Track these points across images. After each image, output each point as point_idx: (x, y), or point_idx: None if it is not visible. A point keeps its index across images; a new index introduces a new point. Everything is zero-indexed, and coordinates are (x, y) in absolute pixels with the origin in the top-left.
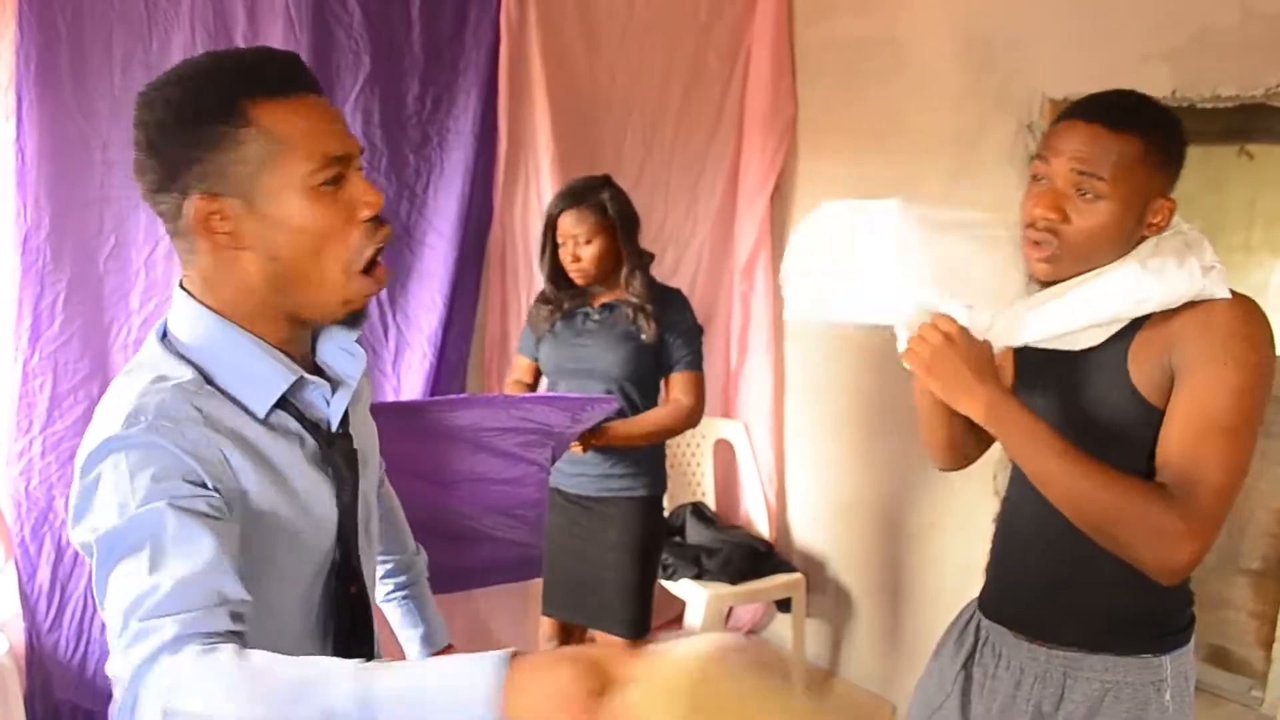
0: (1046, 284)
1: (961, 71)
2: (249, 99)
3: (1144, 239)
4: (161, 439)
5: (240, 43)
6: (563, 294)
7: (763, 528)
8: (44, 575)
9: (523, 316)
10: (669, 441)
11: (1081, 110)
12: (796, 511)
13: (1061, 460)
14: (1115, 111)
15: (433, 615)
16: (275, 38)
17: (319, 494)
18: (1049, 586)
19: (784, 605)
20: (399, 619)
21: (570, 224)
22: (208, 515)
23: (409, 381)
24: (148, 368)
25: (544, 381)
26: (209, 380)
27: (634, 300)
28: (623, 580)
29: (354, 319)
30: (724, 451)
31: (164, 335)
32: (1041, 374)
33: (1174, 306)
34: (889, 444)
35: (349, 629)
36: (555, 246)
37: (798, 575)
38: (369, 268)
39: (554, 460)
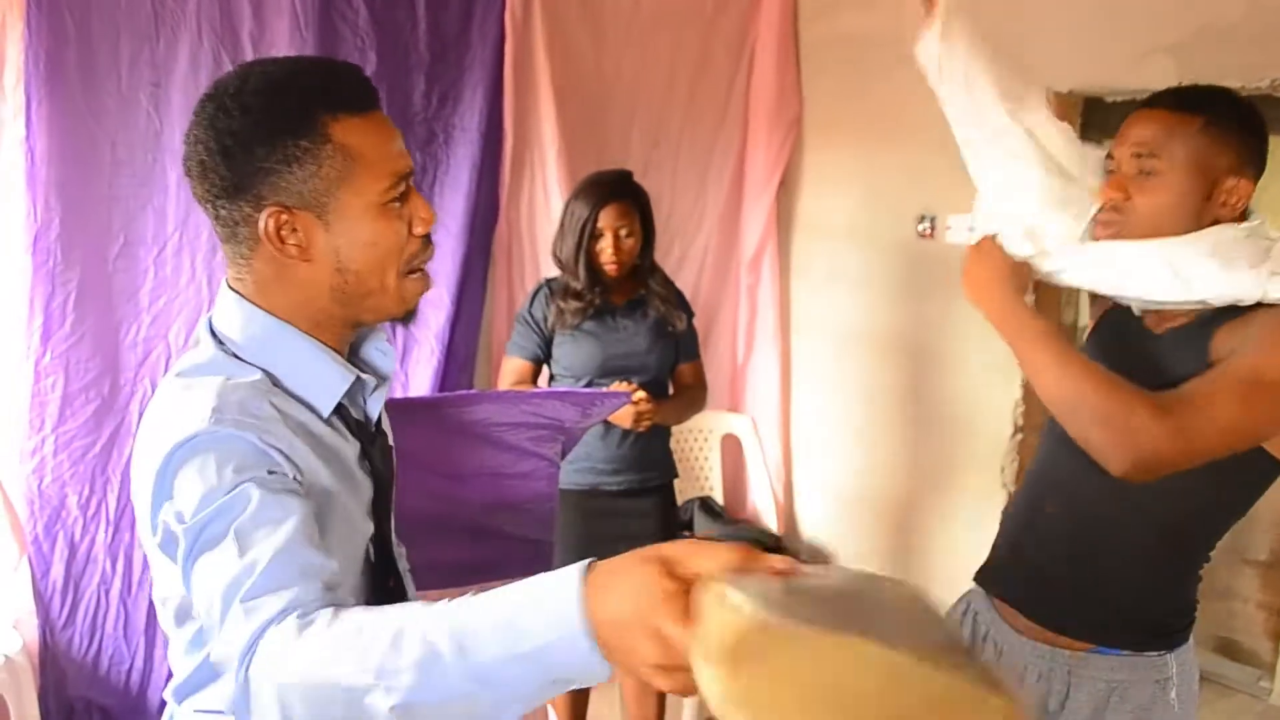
0: None
1: None
2: (330, 115)
3: (1217, 220)
4: (248, 434)
5: (247, 42)
6: (595, 290)
7: (770, 522)
8: (57, 573)
9: None
10: (676, 436)
11: (1149, 100)
12: (804, 505)
13: (1059, 355)
14: (1176, 96)
15: None
16: (281, 35)
17: (366, 491)
18: (1067, 572)
19: None
20: None
21: (614, 216)
22: (290, 492)
23: (417, 378)
24: (212, 369)
25: (547, 381)
26: (275, 381)
27: (661, 292)
28: None
29: (408, 317)
30: (731, 445)
31: (214, 334)
32: (1119, 339)
33: (1238, 304)
34: (897, 437)
35: None
36: (591, 240)
37: None
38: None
39: (564, 455)
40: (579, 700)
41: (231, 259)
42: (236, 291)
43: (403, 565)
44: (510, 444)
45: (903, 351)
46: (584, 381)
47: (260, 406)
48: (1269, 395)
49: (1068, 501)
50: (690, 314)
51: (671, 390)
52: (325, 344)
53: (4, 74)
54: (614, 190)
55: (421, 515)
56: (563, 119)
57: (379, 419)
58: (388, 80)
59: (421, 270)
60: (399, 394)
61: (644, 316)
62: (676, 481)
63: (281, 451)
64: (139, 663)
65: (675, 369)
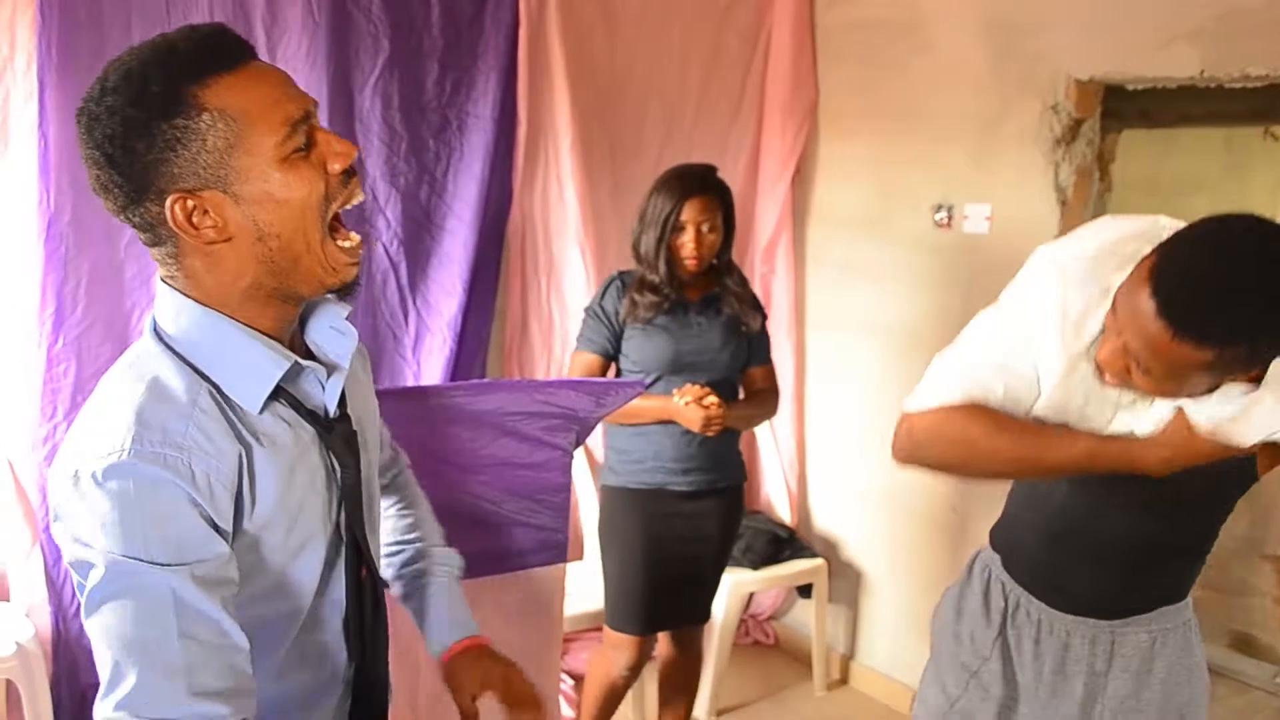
0: None
1: (984, 53)
2: (196, 84)
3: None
4: (168, 473)
5: (259, 28)
6: (673, 284)
7: (784, 513)
8: None
9: (544, 301)
10: None
11: (1168, 313)
12: (817, 497)
13: None
14: (1205, 329)
15: (459, 606)
16: (295, 21)
17: (321, 482)
18: (1129, 588)
19: (805, 591)
20: (423, 612)
21: (697, 211)
22: (204, 588)
23: (429, 366)
24: (142, 365)
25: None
26: (203, 375)
27: (737, 290)
28: (718, 570)
29: (345, 290)
30: (745, 436)
31: (155, 328)
32: None
33: None
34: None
35: (360, 613)
36: (673, 233)
37: (820, 561)
38: (334, 230)
39: (578, 444)
40: (609, 705)
41: (162, 261)
42: (168, 284)
43: (377, 554)
44: (524, 434)
45: (918, 342)
46: (653, 377)
47: (186, 431)
48: None
49: (1107, 549)
50: (764, 316)
51: (741, 393)
52: (265, 329)
53: (15, 59)
54: (699, 184)
55: (435, 505)
56: (576, 107)
57: (342, 402)
58: (401, 66)
59: (349, 236)
60: (411, 382)
61: (717, 314)
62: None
63: (209, 481)
64: None
65: (746, 371)
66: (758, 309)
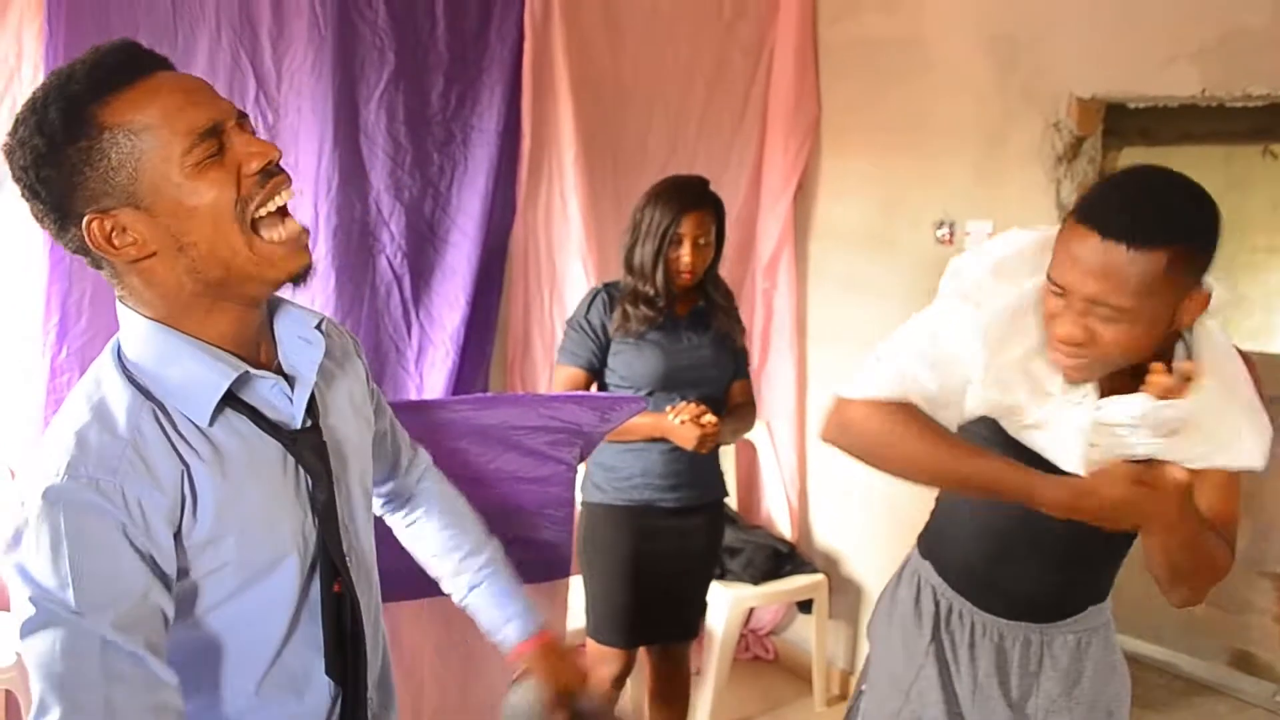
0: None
1: (987, 70)
2: (93, 103)
3: (1178, 331)
4: (99, 498)
5: (265, 40)
6: (670, 297)
7: (784, 528)
8: None
9: (547, 314)
10: None
11: (1102, 223)
12: (818, 512)
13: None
14: (1140, 226)
15: (516, 599)
16: (300, 34)
17: (286, 494)
18: (1060, 585)
19: (805, 606)
20: (484, 613)
21: (696, 223)
22: (125, 630)
23: (432, 379)
24: (94, 386)
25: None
26: (150, 395)
27: (724, 304)
28: (704, 586)
29: (298, 279)
30: (746, 451)
31: (118, 350)
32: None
33: None
34: None
35: (337, 629)
36: (671, 246)
37: (820, 577)
38: (270, 219)
39: (582, 459)
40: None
41: (108, 280)
42: (122, 303)
43: (360, 567)
44: (528, 448)
45: None
46: (644, 394)
47: (121, 455)
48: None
49: (1054, 540)
50: (744, 329)
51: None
52: (220, 337)
53: (21, 67)
54: (697, 197)
55: None
56: (580, 121)
57: (314, 412)
58: (406, 79)
59: (280, 222)
60: (414, 396)
61: (706, 329)
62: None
63: (143, 507)
64: None
65: (729, 385)
66: (740, 323)
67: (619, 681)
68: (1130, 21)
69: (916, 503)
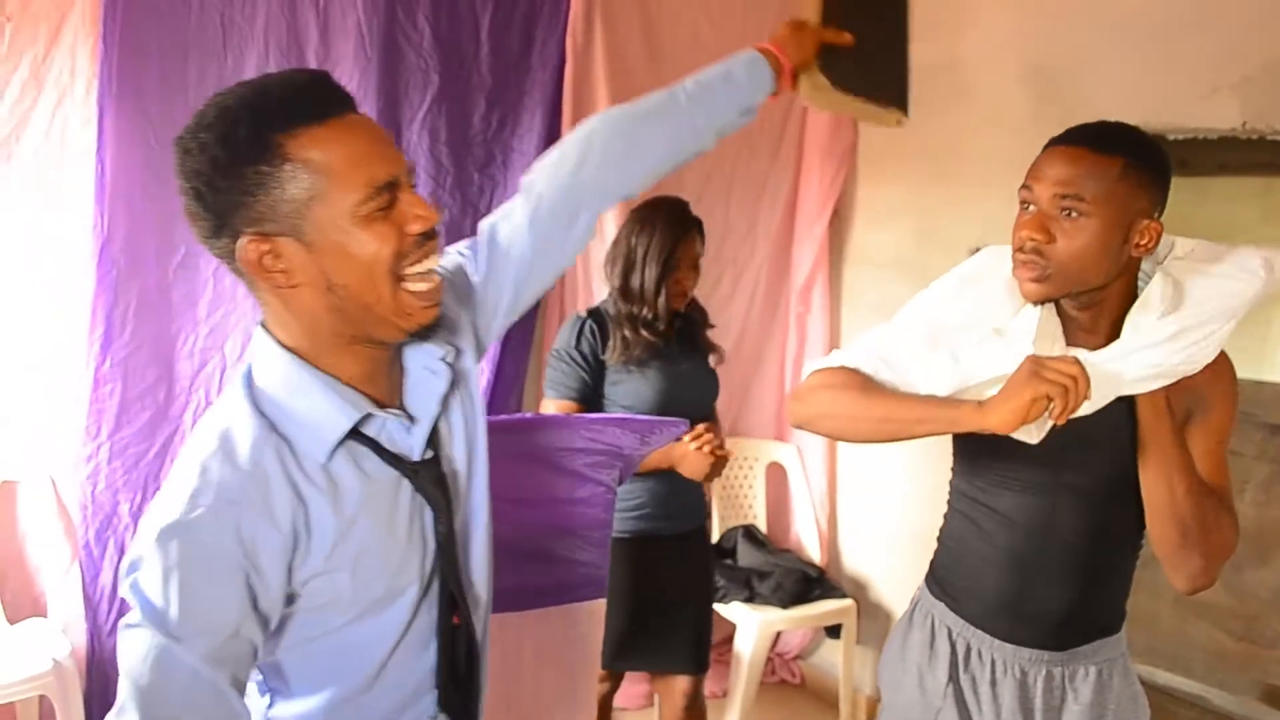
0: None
1: (1025, 99)
2: (283, 133)
3: (1132, 259)
4: (217, 529)
5: (313, 61)
6: (669, 322)
7: (814, 552)
8: (107, 578)
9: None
10: None
11: (1064, 137)
12: (847, 537)
13: (1191, 468)
14: (1095, 136)
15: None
16: (347, 55)
17: (403, 527)
18: (1083, 602)
19: (833, 631)
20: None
21: (690, 247)
22: (214, 663)
23: None
24: (222, 414)
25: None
26: (275, 427)
27: (701, 320)
28: (705, 615)
29: (425, 333)
30: (776, 474)
31: (249, 375)
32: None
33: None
34: (942, 470)
35: (452, 661)
36: (671, 270)
37: (849, 602)
38: (417, 276)
39: (620, 481)
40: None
41: (253, 297)
42: (265, 328)
43: (477, 598)
44: (569, 469)
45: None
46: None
47: (241, 486)
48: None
49: (1064, 549)
50: (720, 350)
51: None
52: (352, 374)
53: (74, 85)
54: (692, 220)
55: None
56: None
57: (435, 443)
58: (449, 101)
59: (425, 278)
60: None
61: (695, 350)
62: (719, 510)
63: (258, 538)
64: None
65: None
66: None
67: (604, 700)
68: (1171, 53)
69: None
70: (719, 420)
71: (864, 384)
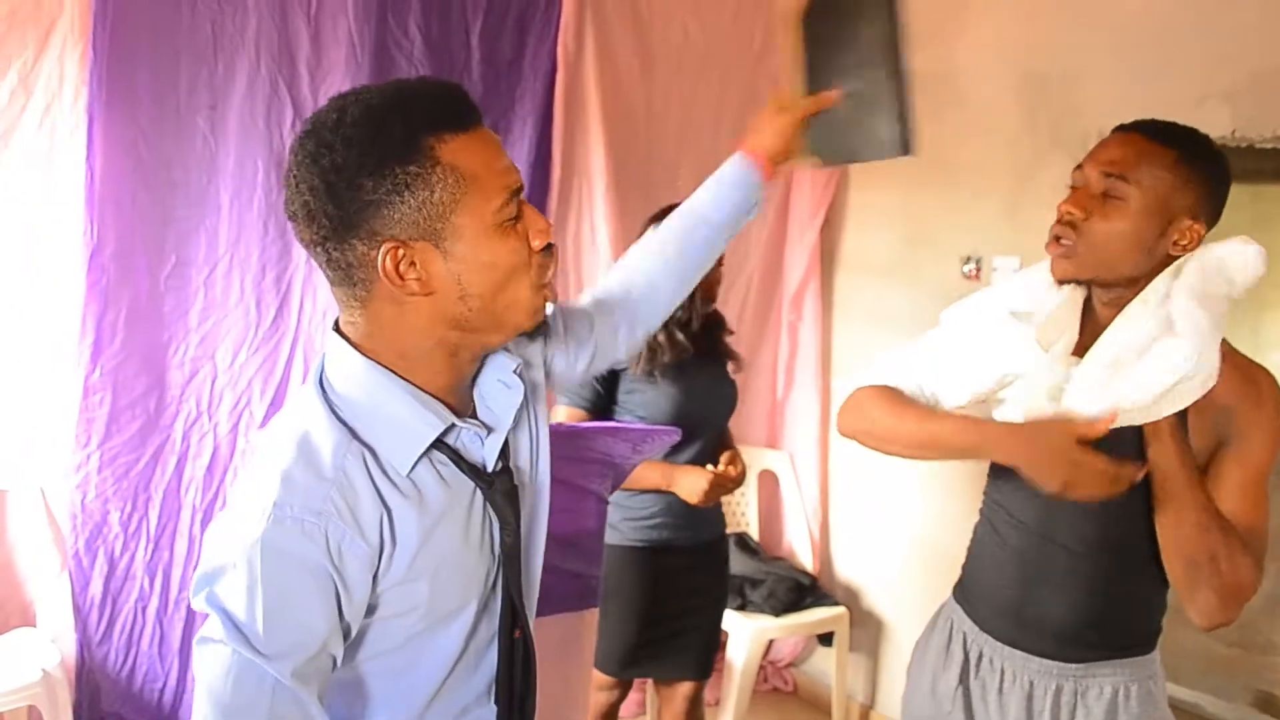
0: (1063, 283)
1: (1017, 107)
2: (434, 136)
3: (1168, 257)
4: (304, 540)
5: (303, 68)
6: (702, 323)
7: (806, 560)
8: (96, 588)
9: None
10: None
11: (1126, 125)
12: (840, 544)
13: (1205, 502)
14: (1157, 128)
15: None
16: (338, 63)
17: (478, 537)
18: (1085, 613)
19: (825, 639)
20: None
21: None
22: (300, 679)
23: None
24: (299, 419)
25: None
26: (356, 434)
27: (722, 331)
28: (716, 624)
29: (539, 328)
30: (768, 482)
31: (321, 380)
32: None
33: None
34: (935, 478)
35: (509, 673)
36: None
37: (841, 610)
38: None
39: (613, 490)
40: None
41: (345, 302)
42: (343, 335)
43: (531, 610)
44: (560, 479)
45: None
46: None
47: (324, 498)
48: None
49: (1064, 549)
50: (740, 360)
51: None
52: (437, 386)
53: (62, 92)
54: None
55: None
56: (611, 152)
57: (506, 454)
58: None
59: (549, 286)
60: None
61: (713, 361)
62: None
63: (343, 549)
64: (172, 681)
65: None
66: (738, 356)
67: (619, 701)
68: (1162, 61)
69: (938, 536)
70: (730, 434)
71: (902, 404)
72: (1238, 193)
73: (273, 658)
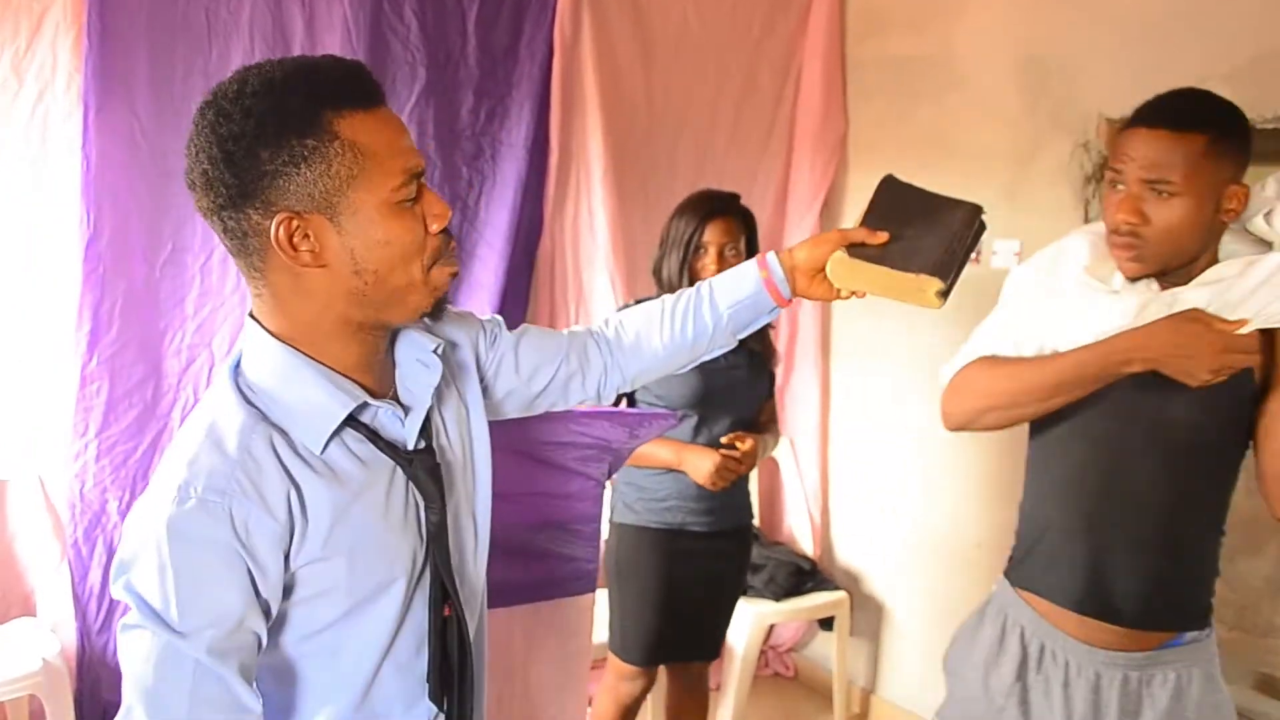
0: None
1: (1017, 90)
2: (334, 112)
3: (1223, 225)
4: (208, 519)
5: (298, 53)
6: None
7: (806, 545)
8: (95, 577)
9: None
10: None
11: (1146, 117)
12: (840, 529)
13: None
14: (1178, 113)
15: (735, 292)
16: (333, 48)
17: (397, 516)
18: (1149, 576)
19: (826, 623)
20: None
21: (720, 231)
22: (218, 655)
23: None
24: (209, 406)
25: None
26: (266, 416)
27: None
28: (729, 609)
29: (438, 307)
30: (769, 467)
31: (236, 367)
32: None
33: None
34: (936, 463)
35: (443, 653)
36: (695, 255)
37: (842, 594)
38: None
39: (609, 475)
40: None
41: (246, 273)
42: (254, 318)
43: (472, 590)
44: (558, 463)
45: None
46: (680, 415)
47: (229, 476)
48: None
49: (1141, 511)
50: (776, 352)
51: None
52: (341, 366)
53: (55, 79)
54: (721, 206)
55: None
56: (609, 136)
57: (428, 433)
58: (436, 94)
59: (449, 262)
60: None
61: (741, 347)
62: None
63: (250, 526)
64: None
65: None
66: (773, 345)
67: (643, 693)
68: (1161, 43)
69: (938, 520)
70: (766, 424)
71: (1010, 363)
72: None
73: (188, 634)
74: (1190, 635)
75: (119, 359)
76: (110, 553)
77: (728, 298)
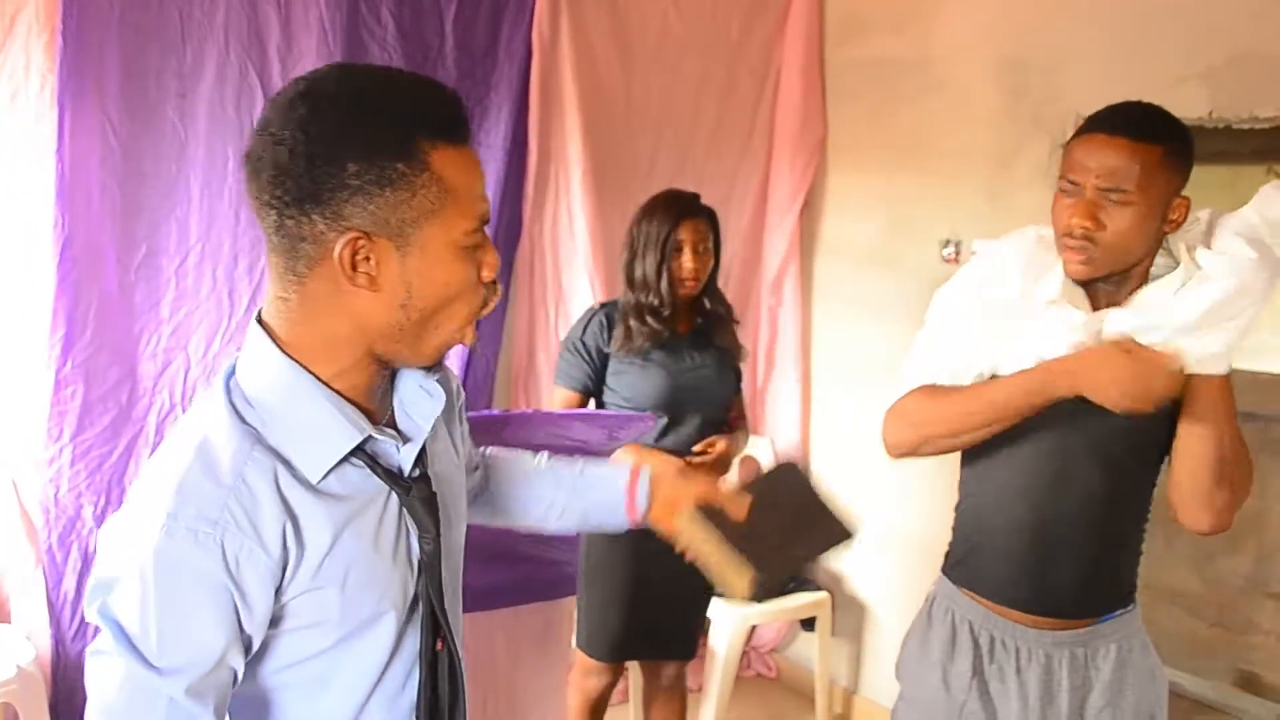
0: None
1: (996, 91)
2: (429, 141)
3: (1165, 234)
4: (198, 550)
5: (274, 55)
6: (673, 309)
7: None
8: (70, 583)
9: (553, 330)
10: None
11: (1104, 124)
12: None
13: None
14: (1136, 123)
15: (597, 497)
16: (309, 50)
17: (388, 547)
18: (1084, 569)
19: (808, 624)
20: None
21: (693, 230)
22: (195, 695)
23: None
24: (200, 422)
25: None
26: (262, 439)
27: (724, 315)
28: (701, 608)
29: (435, 368)
30: (750, 468)
31: (230, 377)
32: None
33: None
34: (915, 464)
35: (434, 686)
36: (672, 254)
37: (823, 594)
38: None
39: None
40: (597, 711)
41: (279, 274)
42: (264, 327)
43: (456, 623)
44: None
45: None
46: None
47: (221, 506)
48: None
49: (1083, 511)
50: (743, 348)
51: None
52: (355, 392)
53: (29, 81)
54: (691, 206)
55: None
56: (588, 138)
57: (420, 463)
58: None
59: (475, 330)
60: None
61: (709, 346)
62: None
63: (241, 560)
64: None
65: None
66: (738, 340)
67: (611, 686)
68: (1139, 43)
69: (917, 520)
70: (736, 422)
71: (946, 392)
72: (1214, 174)
73: (167, 673)
74: (1119, 610)
75: (94, 363)
76: (85, 559)
77: (594, 494)
